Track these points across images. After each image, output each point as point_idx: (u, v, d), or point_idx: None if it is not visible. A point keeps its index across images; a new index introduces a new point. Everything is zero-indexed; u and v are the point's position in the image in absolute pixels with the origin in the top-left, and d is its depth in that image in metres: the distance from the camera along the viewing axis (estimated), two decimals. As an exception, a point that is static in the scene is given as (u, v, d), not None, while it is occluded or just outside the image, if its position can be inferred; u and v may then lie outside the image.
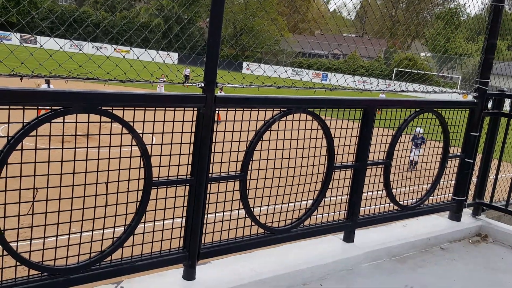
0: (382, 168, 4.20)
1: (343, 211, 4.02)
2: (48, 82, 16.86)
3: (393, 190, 4.31)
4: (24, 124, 2.39)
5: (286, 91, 3.51)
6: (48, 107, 2.45)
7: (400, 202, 4.41)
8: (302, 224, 3.70)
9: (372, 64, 53.82)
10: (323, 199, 3.78)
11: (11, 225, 2.45)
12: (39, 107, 2.46)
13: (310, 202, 3.75)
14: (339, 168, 3.82)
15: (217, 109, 3.01)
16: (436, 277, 3.98)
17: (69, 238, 2.64)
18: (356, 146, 3.91)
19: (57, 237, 2.57)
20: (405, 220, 4.72)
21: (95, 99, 2.56)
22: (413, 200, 4.58)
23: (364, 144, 3.91)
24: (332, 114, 3.68)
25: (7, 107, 2.33)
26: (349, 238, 4.11)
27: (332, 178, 3.77)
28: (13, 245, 2.43)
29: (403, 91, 4.21)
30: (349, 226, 4.06)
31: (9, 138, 2.36)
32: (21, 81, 2.36)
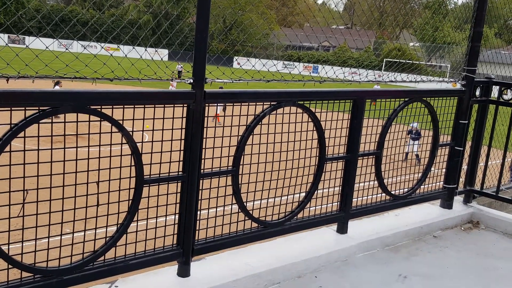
0: (373, 159, 4.23)
1: (336, 203, 4.04)
2: (57, 83, 15.91)
3: (385, 180, 4.33)
4: (12, 125, 2.37)
5: (276, 85, 3.51)
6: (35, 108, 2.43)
7: (392, 192, 4.44)
8: (295, 217, 3.71)
9: (361, 55, 53.90)
10: (316, 191, 3.80)
11: (2, 228, 2.43)
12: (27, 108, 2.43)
13: (302, 194, 3.77)
14: (331, 160, 3.83)
15: (207, 105, 3.00)
16: (430, 265, 4.02)
17: (61, 239, 2.62)
18: (346, 137, 3.92)
19: (49, 238, 2.55)
20: (398, 210, 4.76)
21: (83, 98, 2.54)
22: (405, 190, 4.61)
23: (355, 135, 3.92)
24: (322, 106, 3.69)
25: (-6, 109, 2.31)
26: (342, 229, 4.13)
27: (324, 170, 3.79)
28: (5, 248, 2.41)
29: (392, 81, 4.23)
30: (342, 217, 4.08)
31: (-3, 140, 2.33)
32: (7, 82, 2.34)
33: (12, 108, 2.36)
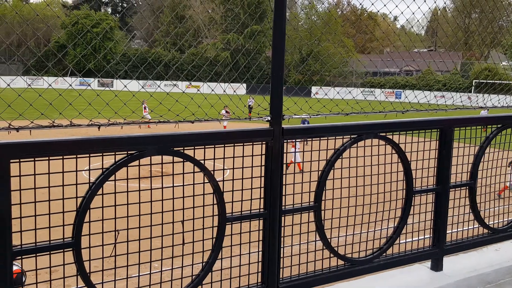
0: (467, 190, 3.92)
1: (428, 237, 3.78)
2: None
3: (481, 212, 3.99)
4: (104, 170, 2.52)
5: (356, 117, 3.42)
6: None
7: (489, 225, 4.07)
8: (384, 254, 3.52)
9: (448, 78, 51.39)
10: (405, 226, 3.59)
11: (96, 267, 2.56)
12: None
13: (391, 230, 3.57)
14: (419, 193, 3.62)
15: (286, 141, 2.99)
16: (541, 307, 3.59)
17: (150, 277, 2.70)
18: (435, 168, 3.69)
19: (139, 277, 2.64)
20: (498, 244, 4.36)
21: (167, 141, 2.65)
22: (505, 222, 4.21)
23: (444, 165, 3.68)
24: (406, 137, 3.52)
25: (88, 154, 2.47)
26: (437, 266, 3.84)
27: (412, 203, 3.58)
28: (99, 286, 2.53)
29: (481, 107, 3.94)
30: (436, 253, 3.81)
31: (90, 184, 2.49)
32: (98, 130, 2.50)
33: (104, 154, 2.52)
